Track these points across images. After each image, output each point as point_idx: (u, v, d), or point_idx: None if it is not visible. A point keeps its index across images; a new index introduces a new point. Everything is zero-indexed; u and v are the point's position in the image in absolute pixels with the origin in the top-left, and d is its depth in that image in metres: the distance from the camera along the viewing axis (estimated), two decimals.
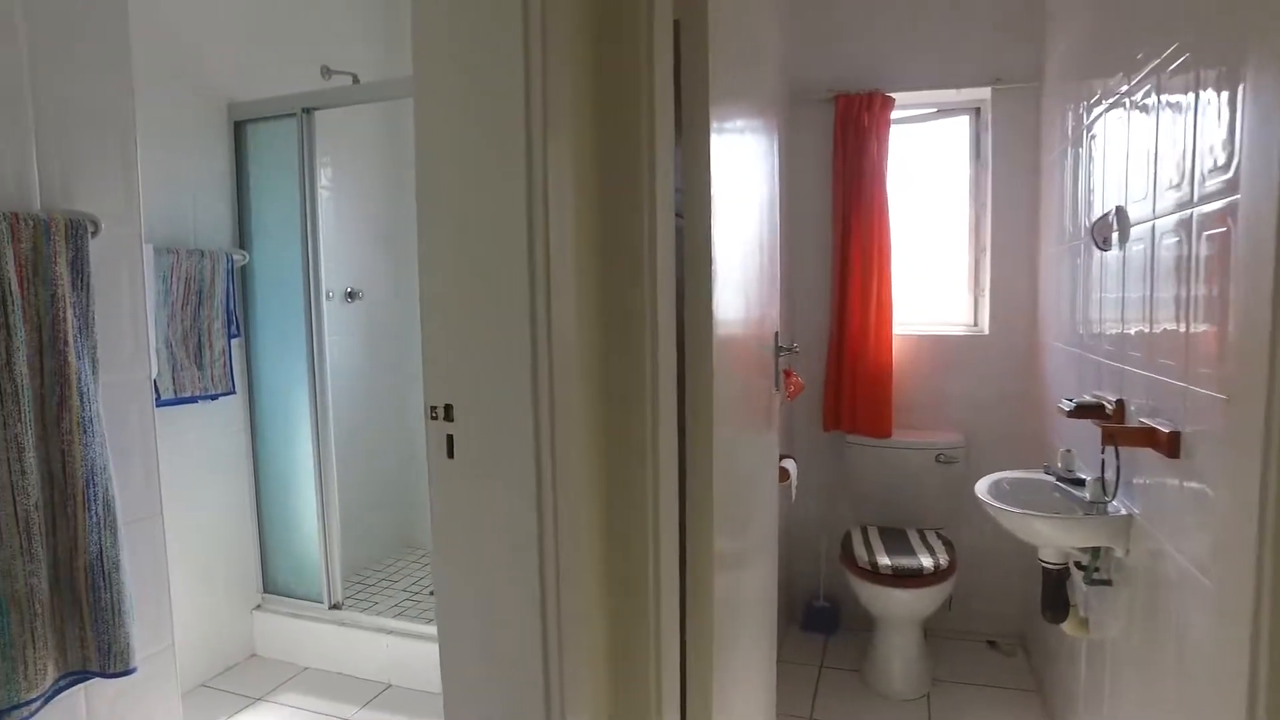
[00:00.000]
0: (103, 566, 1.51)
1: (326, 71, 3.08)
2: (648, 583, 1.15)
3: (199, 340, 2.52)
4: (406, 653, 2.64)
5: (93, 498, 1.49)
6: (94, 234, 1.54)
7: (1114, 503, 1.69)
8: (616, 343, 1.11)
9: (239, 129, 2.74)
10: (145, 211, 2.48)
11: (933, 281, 3.23)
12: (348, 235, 3.32)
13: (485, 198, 0.98)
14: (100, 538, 1.50)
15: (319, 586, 2.82)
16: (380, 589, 3.23)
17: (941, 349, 3.08)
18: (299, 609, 2.84)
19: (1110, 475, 1.69)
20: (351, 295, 3.32)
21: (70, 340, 1.47)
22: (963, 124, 3.12)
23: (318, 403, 2.76)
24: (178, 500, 2.55)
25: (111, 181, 1.66)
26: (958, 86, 2.93)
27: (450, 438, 0.97)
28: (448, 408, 0.97)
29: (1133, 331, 1.71)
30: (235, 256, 2.67)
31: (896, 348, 3.05)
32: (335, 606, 2.81)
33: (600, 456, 1.13)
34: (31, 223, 1.43)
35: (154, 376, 2.22)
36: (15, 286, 1.40)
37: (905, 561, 2.56)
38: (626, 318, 1.12)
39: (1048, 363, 2.71)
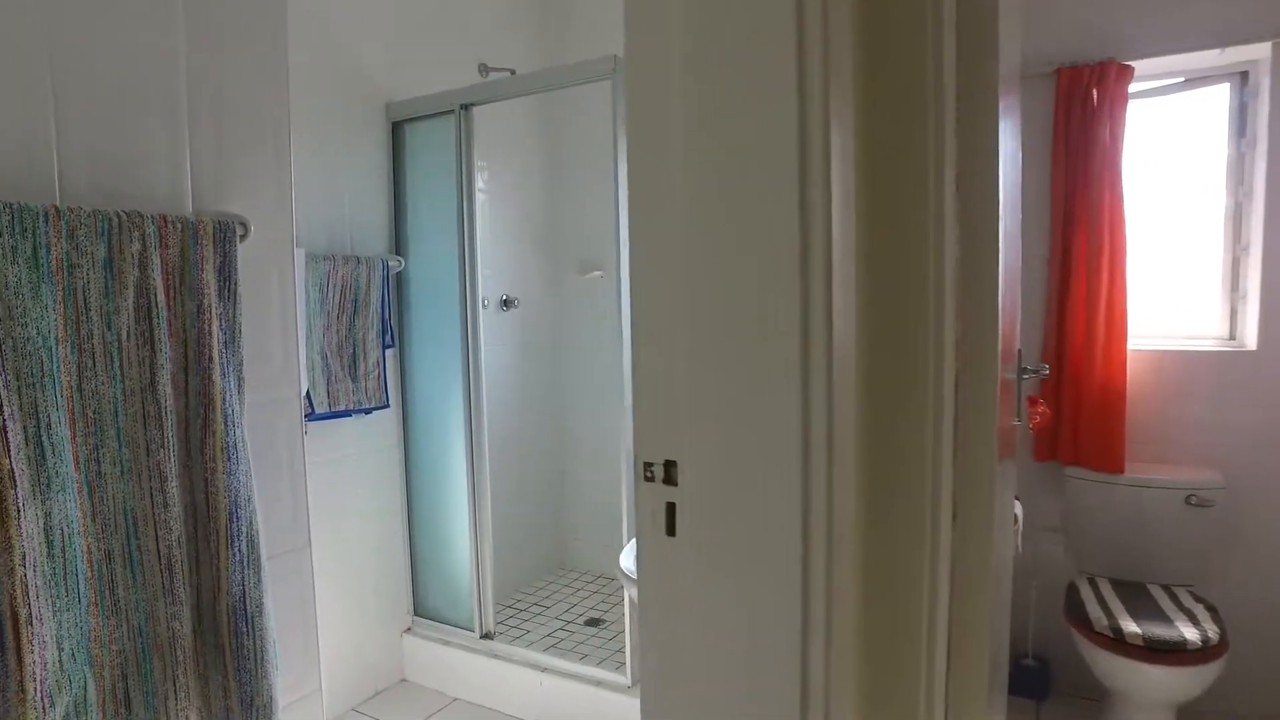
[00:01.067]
0: (245, 609, 1.34)
1: (484, 69, 2.94)
2: (919, 674, 0.83)
3: (354, 351, 2.40)
4: (560, 692, 2.42)
5: (236, 533, 1.32)
6: (243, 237, 1.39)
7: None
8: (886, 372, 0.81)
9: (396, 130, 2.63)
10: (302, 216, 2.39)
11: (1176, 287, 2.68)
12: (502, 239, 3.17)
13: (735, 186, 0.69)
14: (243, 578, 1.33)
15: (470, 612, 2.65)
16: (532, 615, 3.04)
17: (1188, 367, 2.54)
18: (449, 635, 2.68)
19: None
20: (506, 303, 3.17)
21: (215, 356, 1.31)
22: (1221, 94, 2.56)
23: (472, 417, 2.59)
24: (330, 517, 2.44)
25: (263, 181, 1.51)
26: (1222, 45, 2.39)
27: (671, 507, 0.69)
28: (669, 466, 0.69)
29: None
30: (391, 262, 2.55)
31: (1130, 365, 2.54)
32: (486, 636, 2.63)
33: (866, 517, 0.82)
34: (180, 225, 1.28)
35: (304, 392, 2.10)
36: (162, 296, 1.25)
37: (1161, 631, 2.07)
38: (898, 340, 0.80)
39: None
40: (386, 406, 2.50)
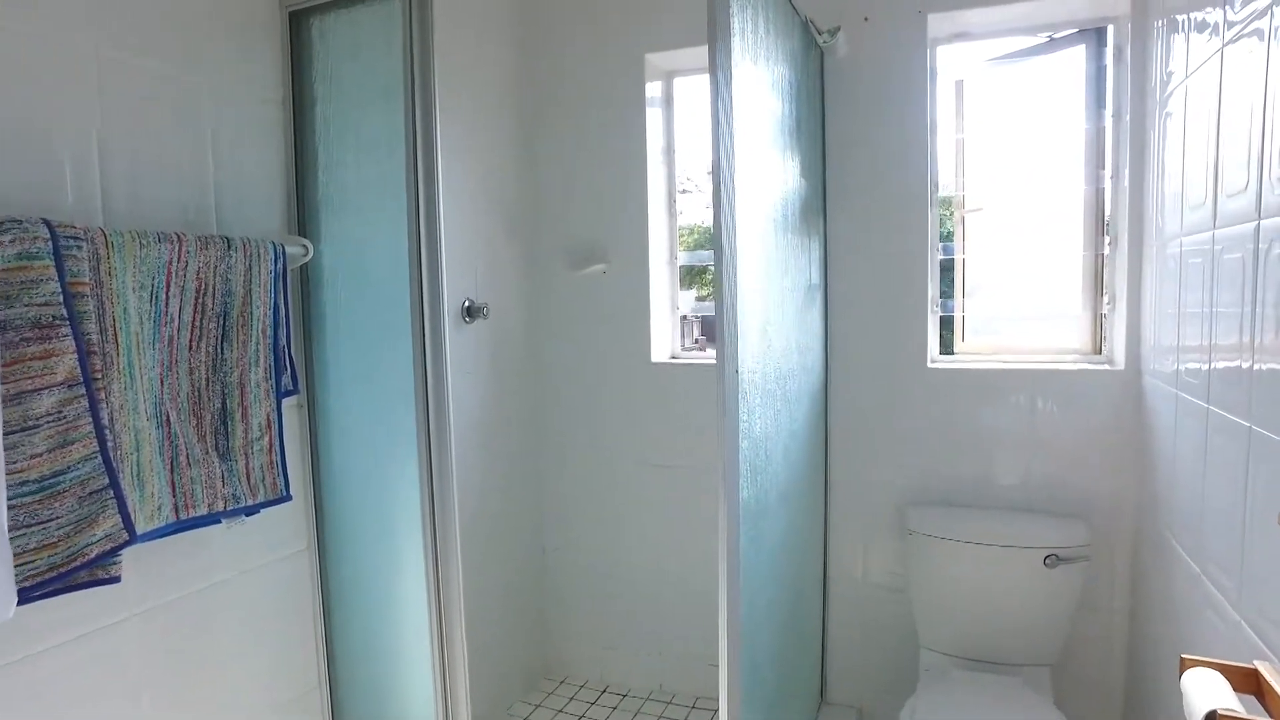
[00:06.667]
0: None
1: None
2: None
3: (224, 405, 1.35)
4: None
5: None
6: None
7: None
8: None
9: (298, 24, 1.57)
10: (121, 166, 1.28)
11: (1027, 292, 2.17)
12: (462, 217, 2.14)
13: None
14: None
15: None
16: None
17: (1043, 389, 1.92)
18: None
19: None
20: (470, 312, 2.14)
21: None
22: (1076, 57, 1.96)
23: (435, 500, 1.57)
24: (186, 690, 1.38)
25: None
26: None
27: None
28: None
29: None
30: (290, 248, 1.49)
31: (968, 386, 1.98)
32: None
33: None
34: None
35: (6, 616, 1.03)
36: None
37: None
38: None
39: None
40: (285, 499, 1.45)
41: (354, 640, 1.71)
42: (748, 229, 1.39)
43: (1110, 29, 1.92)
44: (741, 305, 1.32)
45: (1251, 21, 1.20)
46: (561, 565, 2.53)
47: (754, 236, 1.45)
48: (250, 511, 1.39)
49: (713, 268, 2.48)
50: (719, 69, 1.23)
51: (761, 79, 1.51)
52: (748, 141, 1.40)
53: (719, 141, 1.23)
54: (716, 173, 1.23)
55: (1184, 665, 1.15)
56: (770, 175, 1.59)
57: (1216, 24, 1.34)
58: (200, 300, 1.30)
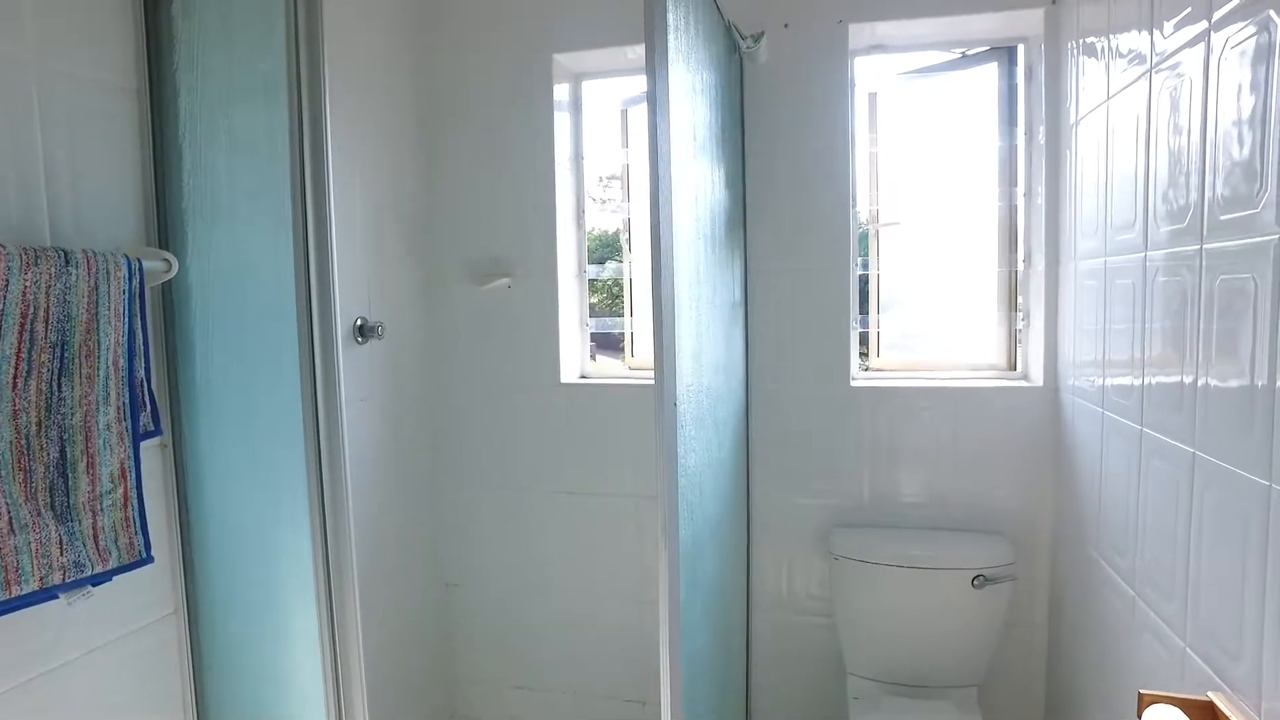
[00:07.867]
0: None
1: None
2: None
3: (61, 455, 1.11)
4: None
5: None
6: None
7: None
8: None
9: (154, 2, 1.35)
10: None
11: (942, 307, 2.16)
12: (352, 226, 1.93)
13: None
14: None
15: None
16: None
17: (964, 406, 1.92)
18: None
19: None
20: (363, 331, 1.93)
21: None
22: (988, 75, 2.01)
23: (329, 545, 1.37)
24: None
25: None
26: (977, 10, 1.84)
27: None
28: None
29: None
30: (149, 263, 1.26)
31: (892, 404, 1.96)
32: None
33: None
34: None
35: None
36: None
37: None
38: None
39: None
40: (145, 561, 1.22)
41: (234, 710, 1.49)
42: (681, 244, 1.28)
43: (1021, 48, 1.93)
44: (679, 329, 1.21)
45: (1181, 50, 1.19)
46: (466, 602, 2.34)
47: (686, 252, 1.34)
48: (99, 580, 1.15)
49: (619, 280, 2.37)
50: (657, 67, 1.11)
51: (692, 83, 1.40)
52: (680, 149, 1.29)
53: (656, 146, 1.12)
54: (655, 182, 1.12)
55: (1143, 701, 1.12)
56: (700, 186, 1.48)
57: (1142, 51, 1.34)
58: (27, 327, 1.06)
